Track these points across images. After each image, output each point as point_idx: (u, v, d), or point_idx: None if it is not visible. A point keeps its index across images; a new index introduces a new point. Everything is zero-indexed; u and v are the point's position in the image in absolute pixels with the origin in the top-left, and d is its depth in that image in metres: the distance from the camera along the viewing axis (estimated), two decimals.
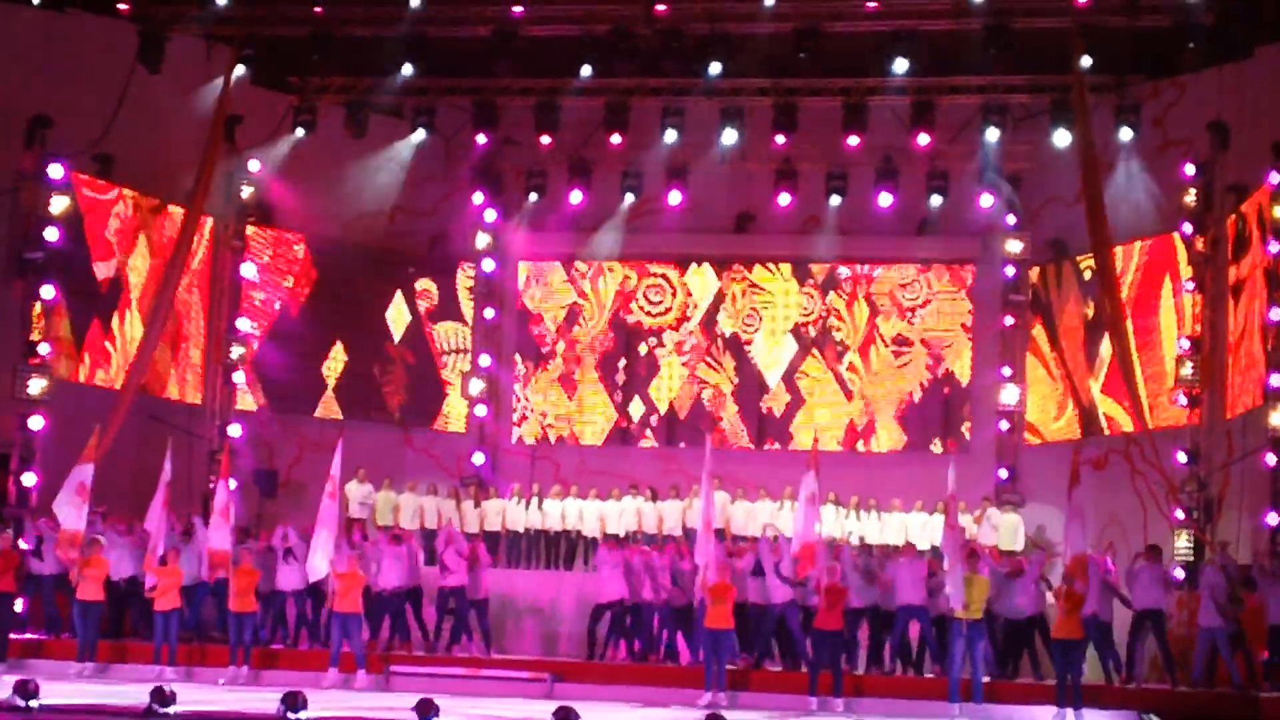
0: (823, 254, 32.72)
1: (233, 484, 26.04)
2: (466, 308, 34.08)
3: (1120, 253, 29.06)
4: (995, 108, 30.01)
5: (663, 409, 33.30)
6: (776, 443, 32.86)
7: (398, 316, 33.46)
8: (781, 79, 30.18)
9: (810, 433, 31.90)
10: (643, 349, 33.49)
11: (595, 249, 33.34)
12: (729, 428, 32.88)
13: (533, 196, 32.91)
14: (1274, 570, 23.74)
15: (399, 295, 33.47)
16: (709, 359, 33.24)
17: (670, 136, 30.83)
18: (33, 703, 17.96)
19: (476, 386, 33.54)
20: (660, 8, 28.29)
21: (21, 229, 27.66)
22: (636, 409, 33.39)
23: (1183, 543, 27.25)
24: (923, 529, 28.59)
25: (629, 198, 32.43)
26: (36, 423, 27.15)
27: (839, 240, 32.43)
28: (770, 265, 33.20)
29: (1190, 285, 28.19)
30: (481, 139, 31.98)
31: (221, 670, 24.44)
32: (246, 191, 31.43)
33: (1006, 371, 31.64)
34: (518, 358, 33.98)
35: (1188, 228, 28.16)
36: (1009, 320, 31.87)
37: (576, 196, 32.31)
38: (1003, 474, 31.26)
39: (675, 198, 31.93)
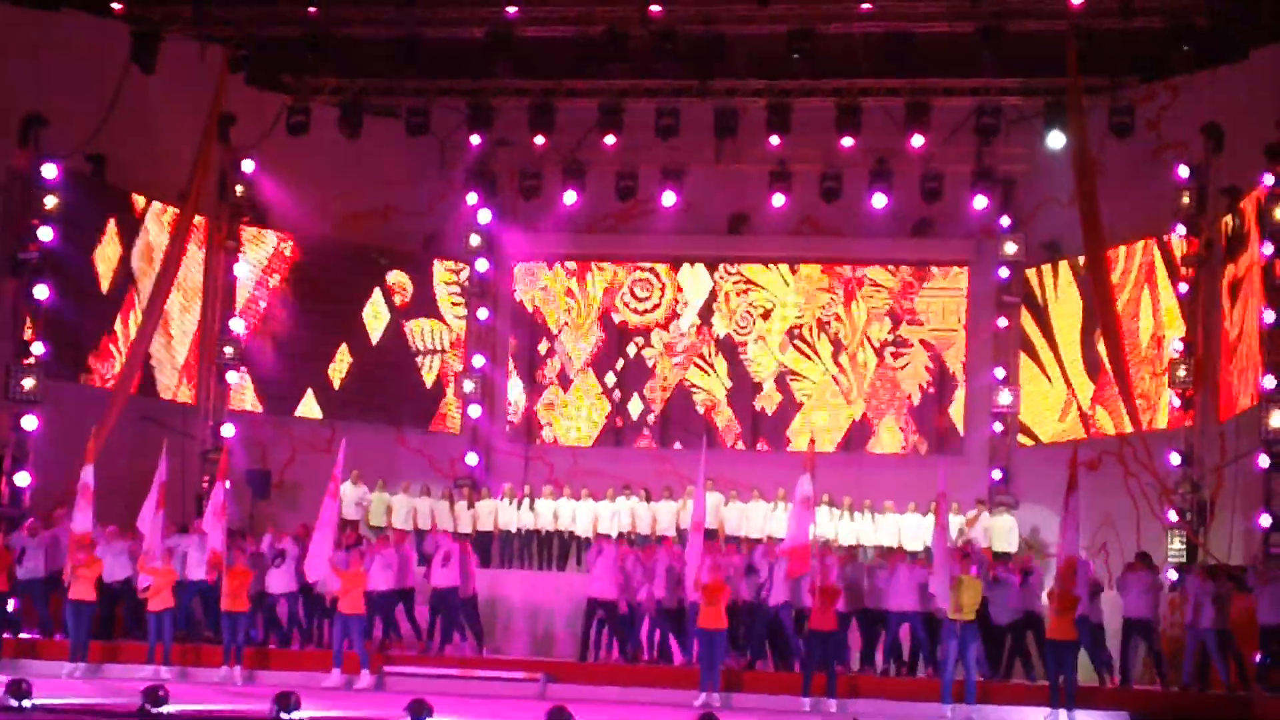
0: (817, 255, 32.72)
1: (227, 485, 25.99)
2: (445, 306, 33.93)
3: (1123, 252, 29.11)
4: (989, 110, 30.03)
5: (656, 409, 33.29)
6: (770, 444, 32.85)
7: (374, 314, 33.41)
8: (776, 80, 30.17)
9: (806, 434, 31.91)
10: (632, 349, 33.50)
11: (589, 250, 33.30)
12: (722, 429, 32.87)
13: (527, 197, 32.89)
14: (1267, 573, 23.75)
15: (377, 293, 33.40)
16: (701, 360, 33.24)
17: (665, 138, 30.82)
18: (26, 703, 17.96)
19: (468, 386, 33.52)
20: (655, 9, 28.27)
21: (15, 228, 27.62)
22: (629, 409, 33.37)
23: (1175, 545, 27.29)
24: (916, 531, 28.60)
25: (623, 199, 32.40)
26: (30, 423, 27.11)
27: (833, 242, 32.45)
28: (764, 266, 33.19)
29: (1185, 287, 28.21)
30: (476, 140, 31.97)
31: (214, 670, 24.42)
32: (240, 191, 31.39)
33: (1000, 373, 31.68)
34: (510, 358, 33.96)
35: (1181, 229, 28.19)
36: (1003, 322, 31.90)
37: (571, 197, 32.30)
38: (996, 475, 31.30)
39: (669, 199, 31.94)
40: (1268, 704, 22.16)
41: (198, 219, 30.08)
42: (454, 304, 34.06)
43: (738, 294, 33.27)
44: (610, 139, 30.87)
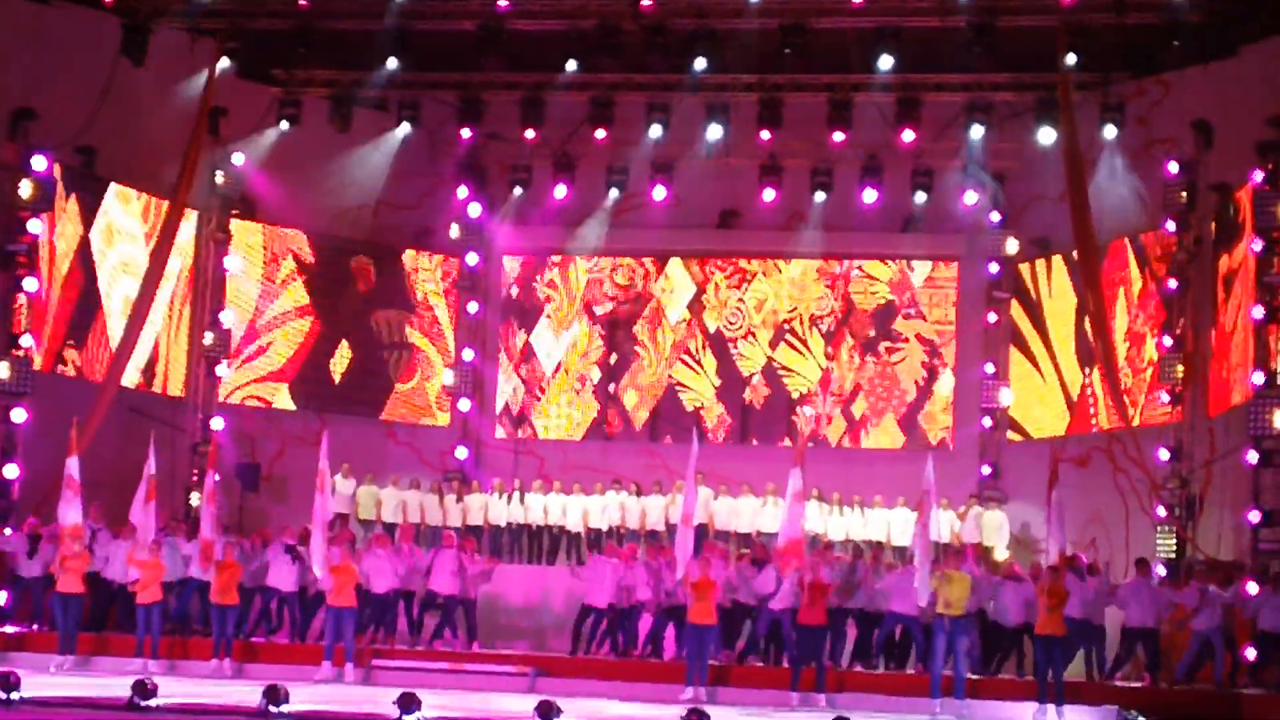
0: (807, 251, 32.73)
1: (216, 477, 25.98)
2: (433, 299, 33.92)
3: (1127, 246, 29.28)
4: (980, 105, 30.07)
5: (646, 404, 33.28)
6: (760, 439, 32.84)
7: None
8: (767, 75, 30.18)
9: (797, 429, 31.94)
10: (624, 343, 33.48)
11: (580, 244, 33.32)
12: (712, 426, 32.82)
13: (517, 191, 32.88)
14: (1255, 569, 23.77)
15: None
16: (689, 356, 33.20)
17: (655, 132, 30.84)
18: (14, 695, 17.93)
19: (449, 379, 33.46)
20: (646, 3, 28.27)
21: (3, 221, 27.56)
22: (619, 403, 33.36)
23: (1164, 540, 27.32)
24: (906, 526, 28.59)
25: (614, 193, 32.41)
26: (19, 415, 27.08)
27: (823, 237, 32.44)
28: (754, 261, 33.19)
29: (1174, 283, 28.24)
30: (466, 133, 31.98)
31: (204, 663, 24.41)
32: (230, 184, 31.35)
33: (990, 368, 31.69)
34: (501, 352, 33.95)
35: (1171, 225, 28.20)
36: (992, 317, 31.92)
37: (561, 191, 32.30)
38: (986, 471, 31.32)
39: (660, 193, 31.94)
40: (1257, 701, 22.18)
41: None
42: (434, 295, 33.93)
43: (728, 288, 33.26)
44: (601, 133, 30.84)
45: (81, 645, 24.67)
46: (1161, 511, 27.41)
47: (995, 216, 31.64)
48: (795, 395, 32.83)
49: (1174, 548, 27.04)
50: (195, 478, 29.72)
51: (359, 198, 32.91)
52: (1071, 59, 27.26)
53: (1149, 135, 29.20)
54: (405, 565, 25.81)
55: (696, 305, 33.35)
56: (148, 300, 28.71)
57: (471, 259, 33.71)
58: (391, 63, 29.64)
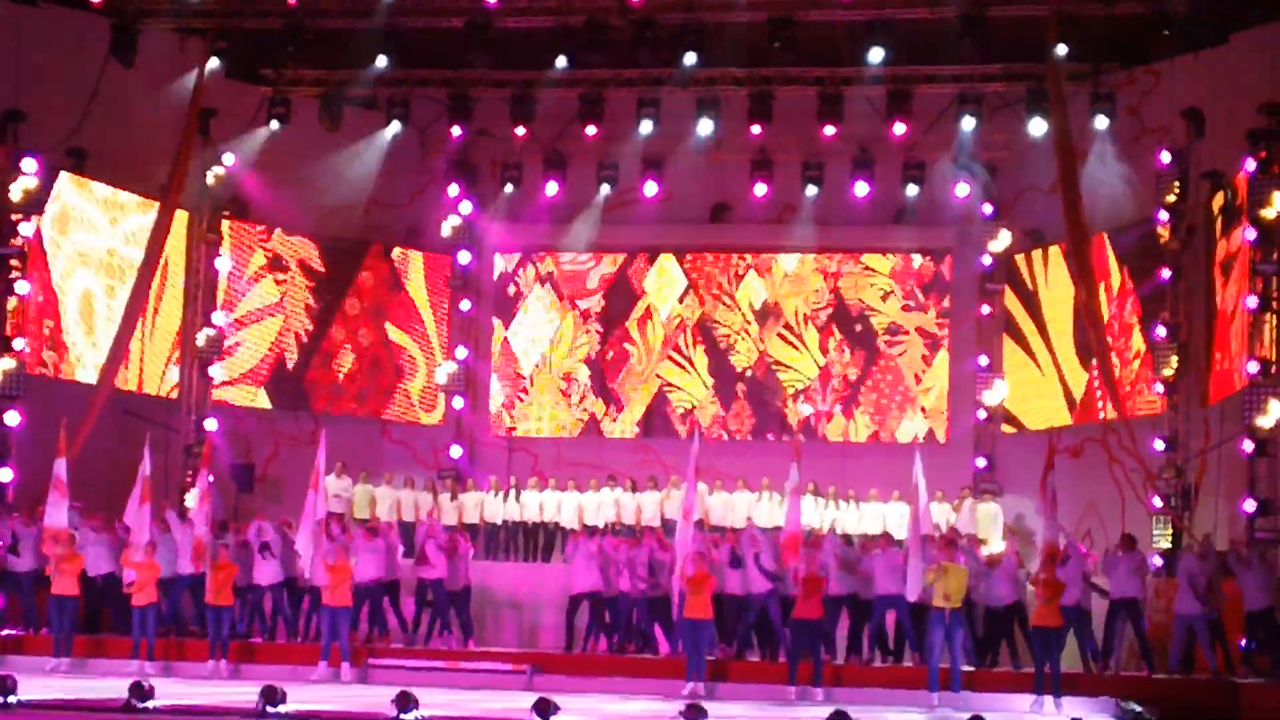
0: (798, 245, 32.71)
1: (210, 478, 25.96)
2: (419, 297, 33.92)
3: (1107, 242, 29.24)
4: (971, 97, 30.07)
5: (640, 400, 33.24)
6: (755, 434, 32.83)
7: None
8: (757, 69, 30.17)
9: (793, 424, 31.98)
10: (614, 339, 33.46)
11: (571, 240, 33.29)
12: (706, 425, 32.74)
13: (508, 188, 32.87)
14: (1250, 557, 23.78)
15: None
16: (678, 353, 33.15)
17: (645, 128, 30.81)
18: (10, 698, 17.87)
19: (441, 377, 33.41)
20: None
21: None
22: (611, 399, 33.33)
23: (1160, 530, 27.32)
24: (902, 519, 28.55)
25: (604, 189, 32.39)
26: (12, 418, 27.03)
27: (815, 230, 32.42)
28: (747, 255, 33.16)
29: (1168, 274, 28.23)
30: (456, 131, 31.93)
31: (200, 665, 24.38)
32: (221, 185, 31.29)
33: (984, 361, 31.68)
34: (494, 349, 33.92)
35: (1164, 215, 28.19)
36: (985, 309, 31.91)
37: (552, 188, 32.29)
38: (980, 463, 31.33)
39: (651, 189, 31.92)
40: (1254, 689, 22.18)
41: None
42: (416, 293, 33.86)
43: (720, 283, 33.23)
44: (591, 129, 30.82)
45: (77, 648, 24.65)
46: (1157, 502, 27.41)
47: (987, 208, 31.61)
48: (790, 390, 32.80)
49: (1170, 537, 27.05)
50: (189, 479, 29.67)
51: (349, 197, 32.85)
52: (1062, 49, 27.23)
53: (1140, 125, 29.21)
54: (385, 545, 25.74)
55: (688, 300, 33.31)
56: (140, 302, 28.65)
57: (463, 257, 33.67)
58: (380, 61, 29.61)
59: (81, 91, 28.07)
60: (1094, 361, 29.56)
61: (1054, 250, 30.72)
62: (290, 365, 32.68)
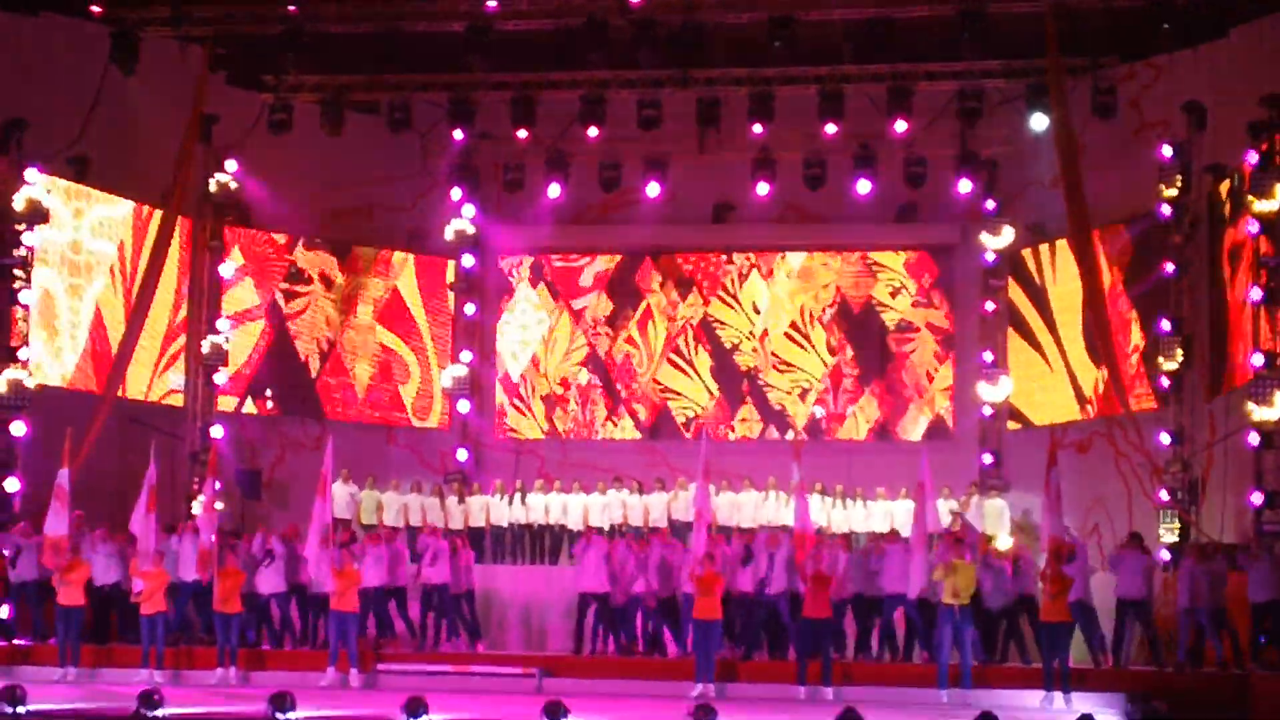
0: (801, 243, 32.70)
1: (217, 485, 25.95)
2: (413, 301, 33.93)
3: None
4: (971, 93, 30.02)
5: (645, 401, 33.24)
6: (759, 434, 32.82)
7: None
8: (757, 68, 30.15)
9: (801, 423, 32.00)
10: (617, 340, 33.46)
11: (574, 242, 33.27)
12: (710, 421, 32.74)
13: (510, 190, 32.84)
14: (1259, 553, 23.75)
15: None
16: (679, 356, 33.15)
17: (647, 128, 30.77)
18: (20, 708, 17.89)
19: (446, 382, 33.36)
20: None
21: None
22: (617, 401, 33.33)
23: (1167, 524, 27.29)
24: (909, 517, 28.51)
25: (607, 190, 32.35)
26: (19, 428, 27.03)
27: (818, 229, 32.42)
28: (751, 255, 33.16)
29: (1171, 267, 28.22)
30: (458, 134, 31.93)
31: (209, 672, 24.38)
32: (223, 191, 31.28)
33: (989, 356, 31.67)
34: (499, 351, 33.92)
35: (1165, 209, 28.18)
36: (989, 305, 31.90)
37: (554, 190, 32.27)
38: (987, 459, 31.32)
39: (653, 190, 31.90)
40: (1264, 682, 22.16)
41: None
42: (410, 297, 33.85)
43: (723, 283, 33.22)
44: (593, 131, 30.81)
45: (86, 657, 24.59)
46: (1164, 495, 27.40)
47: (990, 204, 31.59)
48: (796, 390, 32.78)
49: (1177, 531, 27.03)
50: (196, 486, 29.65)
51: (351, 201, 32.84)
52: (1062, 44, 27.20)
53: (1141, 119, 29.19)
54: (390, 551, 25.75)
55: (691, 300, 33.30)
56: (144, 310, 28.66)
57: (467, 260, 33.68)
58: (381, 66, 29.58)
59: (83, 100, 28.08)
60: (1090, 356, 29.63)
61: (1061, 245, 30.59)
62: (314, 373, 32.73)
